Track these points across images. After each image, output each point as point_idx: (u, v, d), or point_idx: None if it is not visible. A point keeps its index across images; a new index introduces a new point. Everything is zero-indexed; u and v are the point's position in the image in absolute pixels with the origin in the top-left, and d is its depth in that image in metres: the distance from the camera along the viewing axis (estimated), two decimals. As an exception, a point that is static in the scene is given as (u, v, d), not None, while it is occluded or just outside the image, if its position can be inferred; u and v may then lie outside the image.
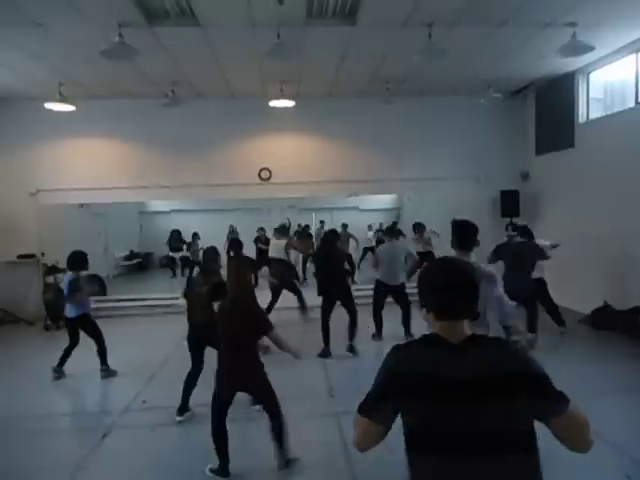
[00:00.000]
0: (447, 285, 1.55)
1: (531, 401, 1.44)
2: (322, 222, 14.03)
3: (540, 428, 1.48)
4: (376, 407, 1.53)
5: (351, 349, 6.23)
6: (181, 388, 4.54)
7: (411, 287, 6.54)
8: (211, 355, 4.07)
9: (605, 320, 7.09)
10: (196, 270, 7.28)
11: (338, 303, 6.33)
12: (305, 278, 11.60)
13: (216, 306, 3.71)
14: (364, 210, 15.60)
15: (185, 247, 13.00)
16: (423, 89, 9.00)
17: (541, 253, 6.07)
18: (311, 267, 9.74)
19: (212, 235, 12.34)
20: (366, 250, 13.15)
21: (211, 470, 3.52)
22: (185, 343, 4.65)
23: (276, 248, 8.19)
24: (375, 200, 15.49)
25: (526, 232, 6.33)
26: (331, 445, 3.86)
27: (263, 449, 3.62)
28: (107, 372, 5.77)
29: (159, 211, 15.74)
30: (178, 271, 13.49)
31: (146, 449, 3.99)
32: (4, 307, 8.63)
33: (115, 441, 4.12)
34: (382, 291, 6.75)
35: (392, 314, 6.81)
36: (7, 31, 5.80)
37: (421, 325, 1.69)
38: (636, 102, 7.06)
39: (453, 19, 5.84)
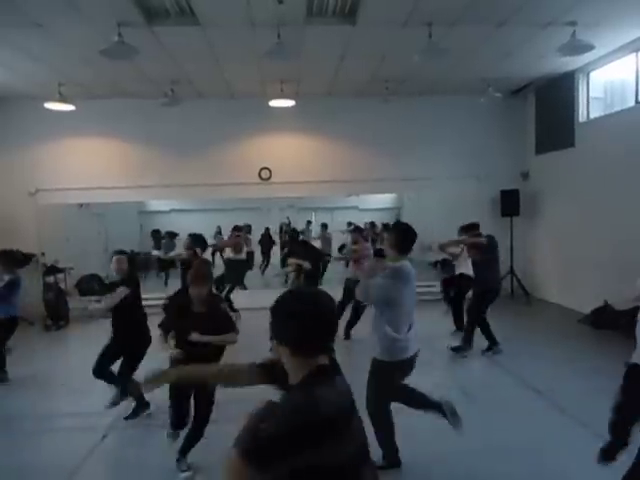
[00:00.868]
0: (330, 322, 1.47)
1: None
2: (309, 222, 13.91)
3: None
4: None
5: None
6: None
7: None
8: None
9: (605, 320, 7.09)
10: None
11: None
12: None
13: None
14: (364, 210, 15.58)
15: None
16: (423, 88, 9.00)
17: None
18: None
19: (212, 235, 12.40)
20: None
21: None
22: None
23: None
24: (375, 199, 15.47)
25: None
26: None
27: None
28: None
29: (159, 211, 15.72)
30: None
31: (146, 450, 3.98)
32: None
33: (115, 442, 4.12)
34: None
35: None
36: (6, 31, 5.79)
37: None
38: (636, 101, 7.06)
39: (453, 19, 5.83)
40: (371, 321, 3.42)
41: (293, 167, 9.44)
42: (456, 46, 6.51)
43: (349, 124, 9.39)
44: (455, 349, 6.04)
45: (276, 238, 13.50)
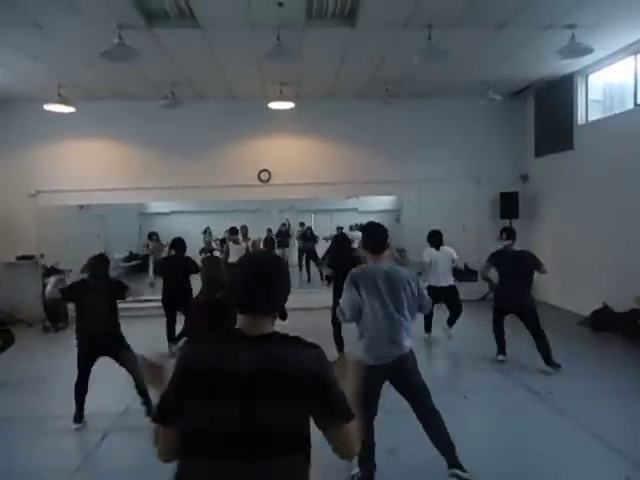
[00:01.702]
0: (244, 281, 1.50)
1: (310, 405, 1.40)
2: (302, 224, 13.83)
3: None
4: (165, 409, 1.45)
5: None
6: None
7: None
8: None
9: (604, 322, 7.09)
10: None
11: None
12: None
13: None
14: (363, 212, 15.61)
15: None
16: (423, 90, 9.01)
17: (538, 264, 5.63)
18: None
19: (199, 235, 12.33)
20: None
21: None
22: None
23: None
24: (374, 202, 15.52)
25: (512, 235, 5.86)
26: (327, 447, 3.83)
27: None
28: None
29: (159, 212, 15.75)
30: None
31: (145, 451, 3.96)
32: (3, 308, 8.61)
33: (114, 443, 4.11)
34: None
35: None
36: (7, 32, 5.80)
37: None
38: (635, 104, 7.07)
39: (453, 21, 5.85)
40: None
41: (293, 169, 9.45)
42: (456, 48, 6.52)
43: (349, 126, 9.40)
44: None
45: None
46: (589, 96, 8.27)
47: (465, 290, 7.80)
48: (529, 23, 5.99)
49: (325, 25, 5.96)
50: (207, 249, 14.06)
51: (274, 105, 8.39)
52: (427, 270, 6.65)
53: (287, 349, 1.44)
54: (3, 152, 9.02)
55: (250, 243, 8.88)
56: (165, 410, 1.46)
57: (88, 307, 4.40)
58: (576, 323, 7.45)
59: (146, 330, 7.42)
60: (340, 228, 12.41)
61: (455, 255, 6.70)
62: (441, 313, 6.74)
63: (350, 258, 5.83)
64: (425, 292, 3.38)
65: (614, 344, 6.56)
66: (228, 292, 2.08)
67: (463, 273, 9.56)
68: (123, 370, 5.84)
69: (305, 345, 1.47)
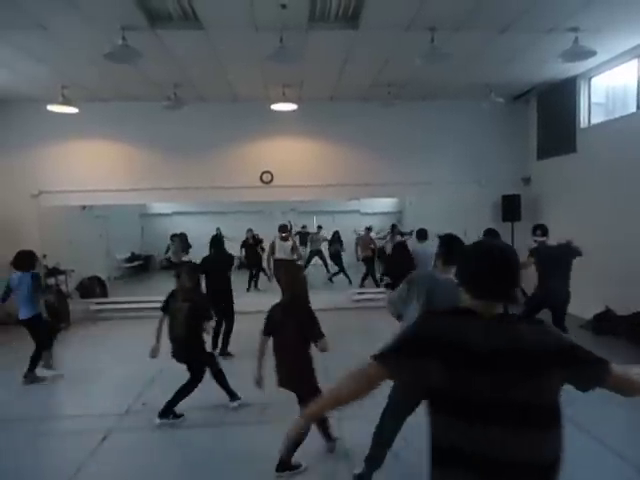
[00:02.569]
0: (493, 269, 1.57)
1: (565, 373, 1.48)
2: (320, 227, 13.69)
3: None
4: (394, 359, 1.59)
5: None
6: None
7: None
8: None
9: (607, 325, 7.07)
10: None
11: None
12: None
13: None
14: (365, 214, 15.61)
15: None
16: (425, 93, 9.02)
17: (577, 251, 5.99)
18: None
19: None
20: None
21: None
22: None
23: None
24: (376, 204, 15.52)
25: (546, 231, 6.24)
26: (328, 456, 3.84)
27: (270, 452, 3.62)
28: (31, 378, 5.63)
29: (161, 213, 15.77)
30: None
31: (146, 452, 3.98)
32: (4, 308, 8.61)
33: (115, 444, 4.11)
34: None
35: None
36: (11, 33, 5.83)
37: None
38: (638, 107, 7.06)
39: (456, 24, 5.85)
40: None
41: (295, 171, 9.46)
42: (459, 51, 6.53)
43: (351, 128, 9.41)
44: None
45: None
46: (592, 99, 8.27)
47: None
48: (532, 26, 5.99)
49: (328, 27, 5.97)
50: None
51: (276, 107, 8.40)
52: None
53: (529, 327, 1.53)
54: (6, 152, 9.05)
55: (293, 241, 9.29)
56: (387, 356, 1.59)
57: None
58: (578, 326, 7.43)
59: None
60: (369, 228, 12.47)
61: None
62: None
63: (411, 266, 6.21)
64: None
65: (617, 348, 6.54)
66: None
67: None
68: (122, 371, 5.87)
69: (543, 323, 1.57)
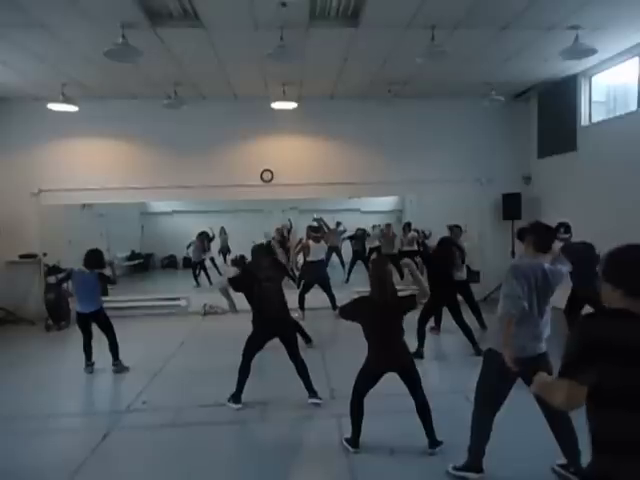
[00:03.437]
0: None
1: None
2: (339, 223, 13.15)
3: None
4: (580, 369, 1.69)
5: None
6: (181, 388, 4.52)
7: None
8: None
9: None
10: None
11: None
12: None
13: None
14: (366, 212, 15.60)
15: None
16: (426, 91, 9.00)
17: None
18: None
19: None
20: (372, 250, 12.94)
21: (346, 440, 3.77)
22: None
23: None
24: (377, 202, 15.50)
25: (569, 228, 6.40)
26: (331, 446, 3.84)
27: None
28: (119, 367, 5.85)
29: (161, 212, 15.77)
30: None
31: (146, 450, 3.98)
32: (5, 307, 8.64)
33: (115, 442, 4.11)
34: None
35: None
36: (10, 31, 5.82)
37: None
38: (638, 105, 7.05)
39: (456, 22, 5.84)
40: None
41: (295, 169, 9.45)
42: (459, 49, 6.52)
43: (352, 126, 9.40)
44: None
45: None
46: (592, 97, 8.25)
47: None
48: (532, 24, 5.98)
49: (328, 25, 5.95)
50: (225, 249, 14.11)
51: (277, 105, 8.40)
52: None
53: None
54: (6, 151, 9.05)
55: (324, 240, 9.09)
56: (573, 369, 1.71)
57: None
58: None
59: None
60: (378, 226, 12.42)
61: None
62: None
63: (453, 263, 6.41)
64: None
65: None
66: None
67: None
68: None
69: None
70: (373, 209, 15.59)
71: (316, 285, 8.31)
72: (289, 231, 12.79)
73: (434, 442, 3.65)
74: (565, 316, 6.24)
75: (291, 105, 8.40)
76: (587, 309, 6.60)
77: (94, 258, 5.85)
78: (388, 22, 5.85)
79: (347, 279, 11.84)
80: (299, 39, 6.14)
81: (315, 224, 9.45)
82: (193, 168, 9.28)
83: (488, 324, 6.82)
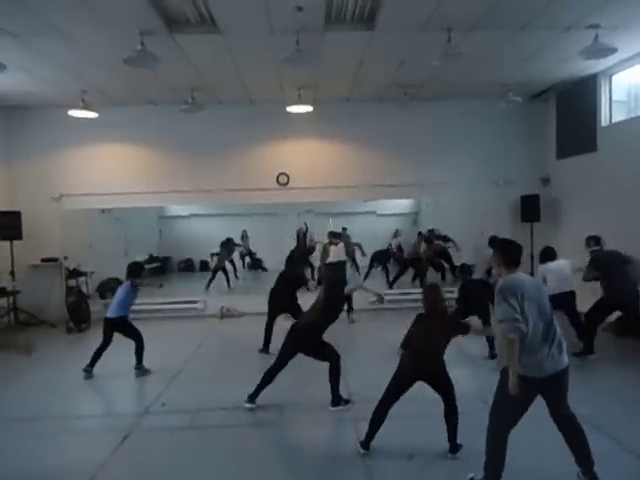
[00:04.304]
0: None
1: None
2: (344, 229, 13.25)
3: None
4: None
5: None
6: (200, 391, 4.54)
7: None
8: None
9: (629, 328, 6.91)
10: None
11: None
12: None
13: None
14: (382, 215, 15.55)
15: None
16: (442, 93, 8.95)
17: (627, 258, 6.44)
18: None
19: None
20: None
21: (360, 443, 3.77)
22: None
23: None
24: (393, 205, 15.43)
25: (599, 241, 6.75)
26: (349, 450, 3.83)
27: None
28: (142, 370, 5.95)
29: (179, 215, 15.92)
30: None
31: (165, 452, 4.01)
32: (28, 309, 8.81)
33: (135, 443, 4.16)
34: None
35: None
36: (32, 40, 5.94)
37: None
38: (661, 105, 6.92)
39: (472, 23, 5.80)
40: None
41: (311, 172, 9.47)
42: (476, 51, 6.47)
43: (367, 129, 9.40)
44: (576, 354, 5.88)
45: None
46: (613, 97, 8.11)
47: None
48: (551, 24, 5.91)
49: (344, 29, 5.96)
50: (246, 253, 14.18)
51: (292, 109, 8.43)
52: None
53: None
54: (28, 157, 9.23)
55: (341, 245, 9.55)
56: None
57: None
58: (600, 329, 7.28)
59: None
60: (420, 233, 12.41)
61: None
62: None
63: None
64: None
65: (639, 350, 6.42)
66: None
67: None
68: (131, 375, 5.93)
69: None
70: (389, 212, 15.53)
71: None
72: (304, 234, 12.80)
73: (455, 447, 3.62)
74: (586, 319, 6.14)
75: (307, 109, 8.43)
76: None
77: (128, 268, 6.27)
78: (404, 25, 5.84)
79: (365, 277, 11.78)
80: (315, 43, 6.16)
81: (335, 230, 9.92)
82: (210, 172, 9.37)
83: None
